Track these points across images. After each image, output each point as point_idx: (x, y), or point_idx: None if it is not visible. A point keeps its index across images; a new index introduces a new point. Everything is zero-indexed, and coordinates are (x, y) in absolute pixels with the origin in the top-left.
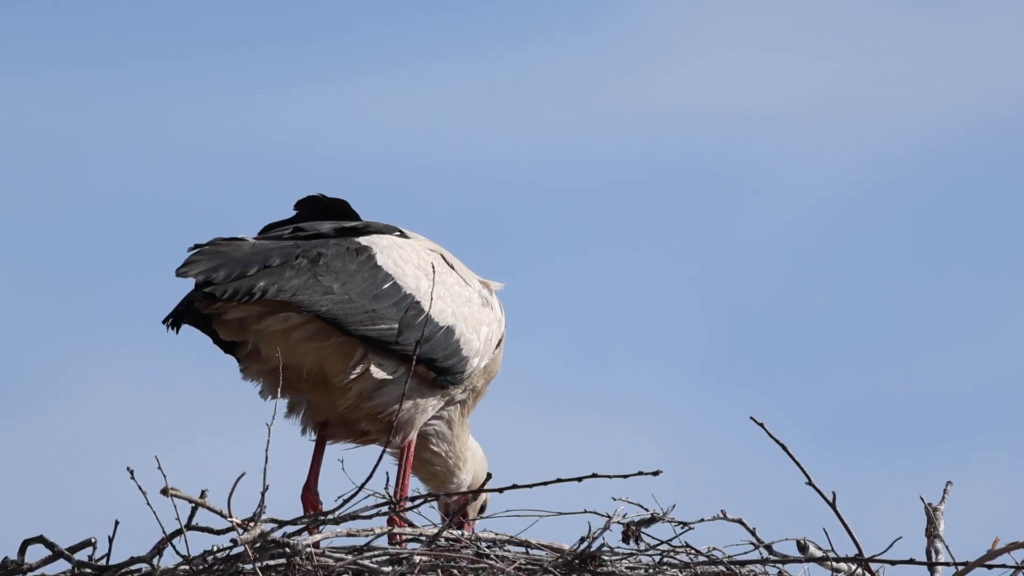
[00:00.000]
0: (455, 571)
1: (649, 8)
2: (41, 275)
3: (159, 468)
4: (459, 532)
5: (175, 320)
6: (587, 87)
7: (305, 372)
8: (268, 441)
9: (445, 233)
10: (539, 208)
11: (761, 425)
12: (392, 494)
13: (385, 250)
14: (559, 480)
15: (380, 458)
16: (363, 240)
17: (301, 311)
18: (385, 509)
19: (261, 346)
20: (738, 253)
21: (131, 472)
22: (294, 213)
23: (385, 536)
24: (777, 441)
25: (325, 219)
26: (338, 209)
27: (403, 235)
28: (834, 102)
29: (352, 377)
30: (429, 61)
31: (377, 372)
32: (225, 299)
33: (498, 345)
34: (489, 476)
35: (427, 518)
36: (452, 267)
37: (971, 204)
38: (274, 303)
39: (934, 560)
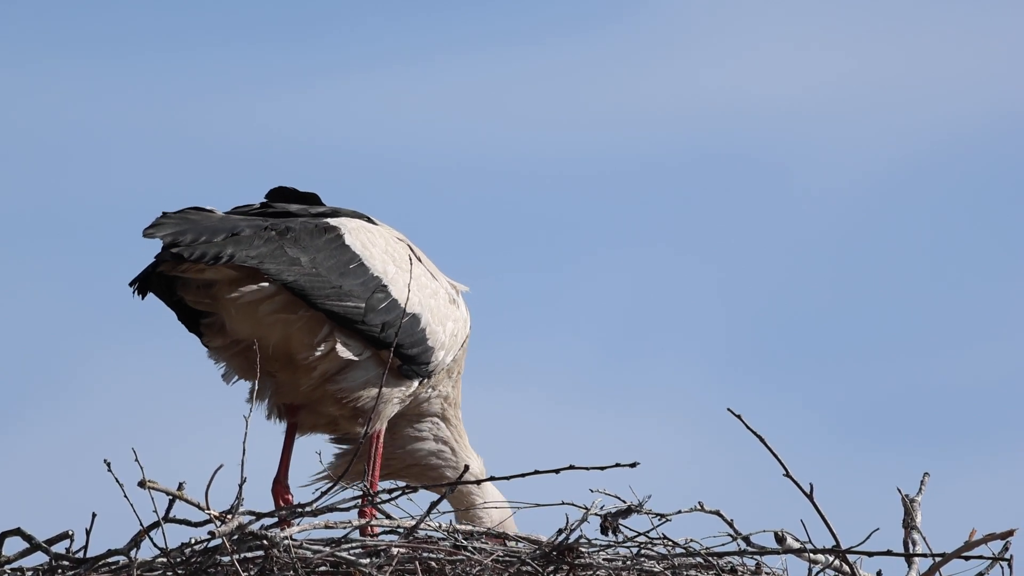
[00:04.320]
0: (432, 563)
1: (673, 2)
2: (48, 271)
3: (136, 460)
4: (438, 526)
5: (141, 284)
6: (612, 81)
7: (271, 348)
8: (245, 434)
9: (471, 229)
10: (563, 203)
11: (739, 417)
12: (365, 486)
13: (353, 232)
14: (536, 472)
15: (357, 450)
16: (331, 220)
17: (268, 280)
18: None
19: (227, 319)
20: (768, 247)
21: (108, 464)
22: (262, 202)
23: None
24: (755, 433)
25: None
26: (307, 200)
27: (371, 222)
28: (860, 95)
29: (317, 354)
30: (456, 54)
31: (343, 351)
32: (192, 260)
33: (462, 346)
34: (466, 468)
35: (404, 510)
36: (420, 259)
37: (994, 199)
38: (241, 271)
39: (911, 551)
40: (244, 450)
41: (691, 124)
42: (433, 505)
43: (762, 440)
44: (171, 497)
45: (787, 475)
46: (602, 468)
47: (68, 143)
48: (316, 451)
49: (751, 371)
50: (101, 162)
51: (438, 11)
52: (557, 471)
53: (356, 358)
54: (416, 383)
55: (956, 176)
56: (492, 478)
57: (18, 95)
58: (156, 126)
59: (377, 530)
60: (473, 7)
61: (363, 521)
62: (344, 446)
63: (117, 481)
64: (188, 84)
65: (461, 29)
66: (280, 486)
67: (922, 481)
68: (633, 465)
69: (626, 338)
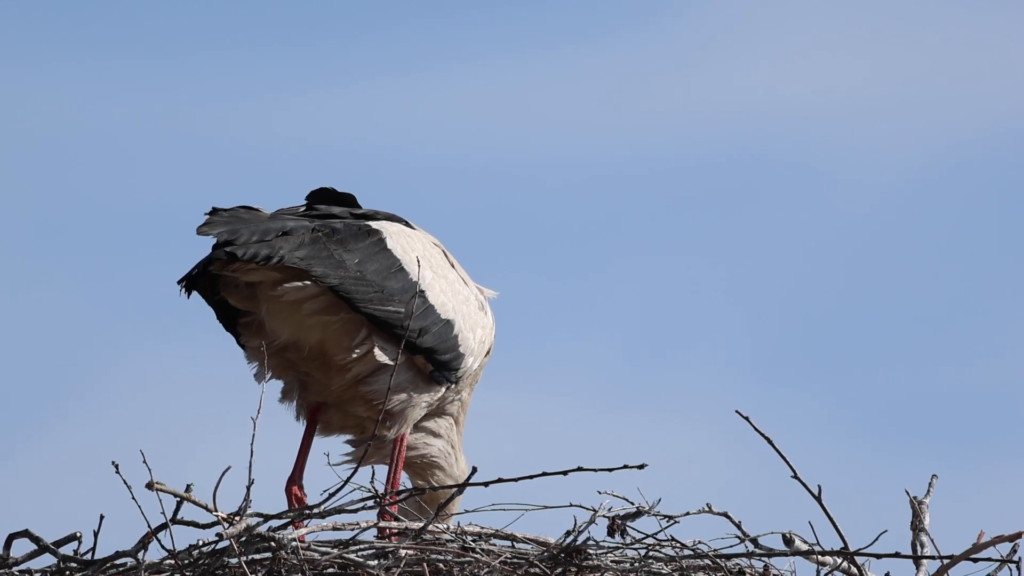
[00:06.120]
0: (441, 565)
1: (696, 7)
2: (62, 276)
3: (144, 462)
4: (444, 526)
5: (190, 282)
6: (640, 86)
7: (308, 350)
8: (253, 435)
9: (498, 233)
10: (591, 208)
11: (746, 419)
12: (383, 487)
13: (394, 236)
14: (544, 474)
15: (365, 451)
16: (373, 224)
17: (315, 282)
18: (372, 503)
19: (267, 319)
20: (793, 249)
21: (116, 466)
22: (305, 203)
23: (370, 530)
24: (763, 435)
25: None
26: (345, 202)
27: (409, 226)
28: (886, 98)
29: (354, 356)
30: (489, 58)
31: (380, 355)
32: (245, 260)
33: (487, 353)
34: (474, 470)
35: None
36: (452, 265)
37: (1017, 203)
38: (288, 272)
39: (919, 554)
40: (252, 451)
41: (718, 128)
42: (441, 507)
43: (770, 442)
44: (179, 499)
45: (795, 477)
46: (610, 470)
47: (82, 148)
48: (324, 452)
49: (772, 374)
50: (117, 168)
51: (469, 14)
52: (565, 473)
53: (392, 362)
54: (444, 388)
55: (981, 179)
56: (500, 480)
57: (41, 100)
58: (178, 131)
59: (392, 531)
60: (507, 11)
61: (372, 523)
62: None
63: (125, 483)
64: (208, 88)
65: (495, 32)
66: (295, 486)
67: (930, 483)
68: (641, 467)
69: (652, 342)
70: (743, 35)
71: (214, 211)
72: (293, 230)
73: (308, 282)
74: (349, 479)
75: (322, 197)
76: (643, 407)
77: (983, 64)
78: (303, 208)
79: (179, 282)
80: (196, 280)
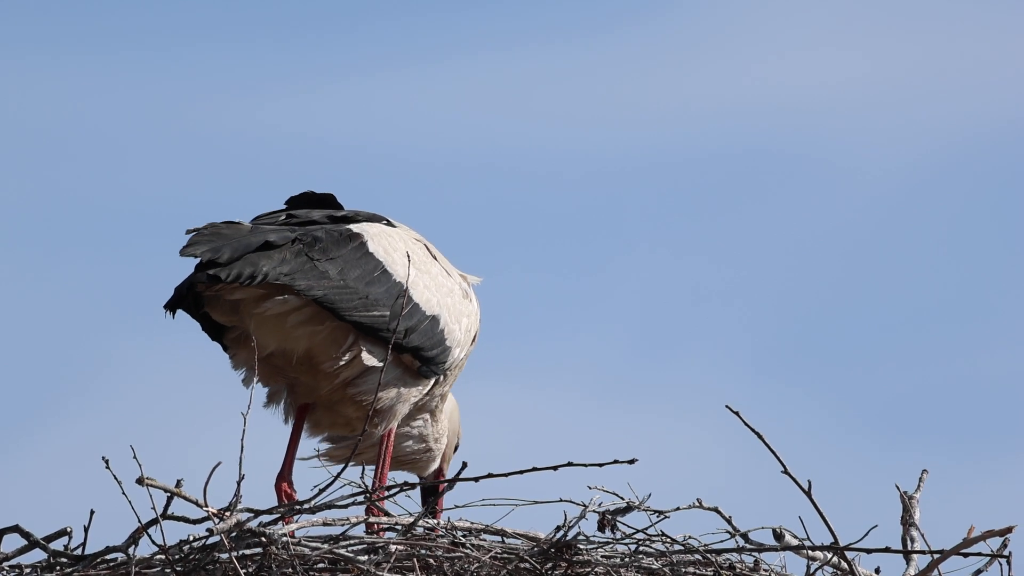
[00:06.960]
0: (431, 560)
1: (697, 1)
2: (58, 272)
3: (135, 458)
4: (434, 521)
5: (175, 304)
6: (640, 80)
7: (295, 358)
8: (244, 431)
9: (501, 227)
10: (596, 202)
11: (737, 414)
12: (370, 483)
13: (375, 238)
14: (535, 469)
15: (355, 447)
16: (354, 227)
17: (298, 295)
18: (361, 498)
19: (253, 331)
20: (793, 244)
21: (106, 462)
22: (284, 208)
23: (361, 525)
24: (753, 430)
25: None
26: (325, 202)
27: (390, 224)
28: (886, 92)
29: (342, 363)
30: (495, 51)
31: (368, 359)
32: (228, 281)
33: (473, 341)
34: (464, 465)
35: (403, 507)
36: (435, 258)
37: (1018, 197)
38: (272, 287)
39: (910, 548)
40: (242, 447)
41: (718, 123)
42: (432, 503)
43: (760, 436)
44: (169, 494)
45: (785, 472)
46: (600, 465)
47: (76, 144)
48: (315, 448)
49: (771, 370)
50: (110, 164)
51: (467, 9)
52: (555, 468)
53: (380, 363)
54: (432, 382)
55: (980, 174)
56: (490, 475)
57: (31, 96)
58: (172, 127)
59: (381, 526)
60: (507, 5)
61: (362, 519)
62: (334, 443)
63: (115, 478)
64: (202, 84)
65: (496, 26)
66: (284, 482)
67: (920, 478)
68: (631, 462)
69: (652, 338)
70: (744, 29)
71: (193, 231)
72: (274, 244)
73: (290, 296)
74: (339, 475)
75: (302, 201)
76: (643, 402)
77: (984, 57)
78: (283, 215)
79: (165, 307)
80: (180, 302)
